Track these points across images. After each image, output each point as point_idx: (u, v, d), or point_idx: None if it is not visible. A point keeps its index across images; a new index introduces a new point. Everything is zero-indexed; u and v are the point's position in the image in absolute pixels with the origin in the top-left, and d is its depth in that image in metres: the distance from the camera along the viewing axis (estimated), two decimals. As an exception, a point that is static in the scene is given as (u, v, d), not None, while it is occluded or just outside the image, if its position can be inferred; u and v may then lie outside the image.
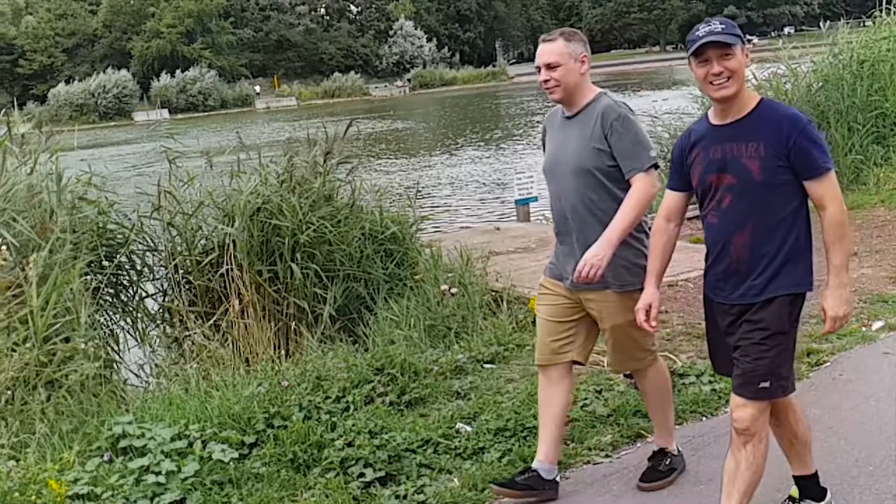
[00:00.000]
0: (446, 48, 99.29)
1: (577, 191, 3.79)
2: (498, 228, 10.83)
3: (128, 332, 7.31)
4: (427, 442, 4.53)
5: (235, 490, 4.09)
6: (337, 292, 7.11)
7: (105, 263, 7.15)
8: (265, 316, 6.97)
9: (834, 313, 3.20)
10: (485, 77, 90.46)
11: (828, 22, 14.62)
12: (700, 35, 3.15)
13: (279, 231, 7.14)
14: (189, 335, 6.82)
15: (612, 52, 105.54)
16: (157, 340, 7.28)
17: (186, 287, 7.38)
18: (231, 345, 6.56)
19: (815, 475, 3.64)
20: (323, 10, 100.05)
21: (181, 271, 7.39)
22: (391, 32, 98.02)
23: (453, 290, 6.52)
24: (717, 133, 3.26)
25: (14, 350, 4.86)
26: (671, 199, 3.50)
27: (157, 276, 7.56)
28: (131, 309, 7.39)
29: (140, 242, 7.48)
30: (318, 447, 4.43)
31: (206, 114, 75.33)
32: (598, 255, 3.59)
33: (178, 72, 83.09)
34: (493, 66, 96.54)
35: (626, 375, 4.98)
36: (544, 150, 4.07)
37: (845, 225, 3.20)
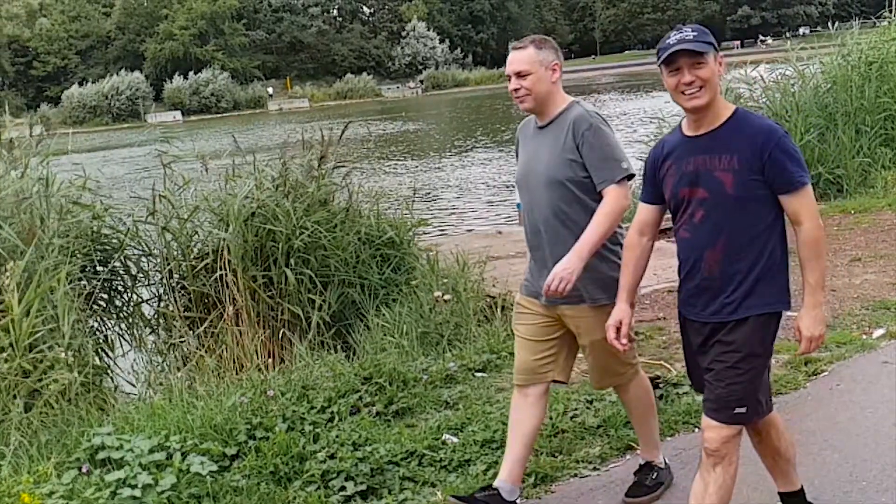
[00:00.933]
0: (459, 49, 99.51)
1: (549, 203, 3.66)
2: (500, 232, 10.74)
3: (122, 337, 7.27)
4: (412, 454, 4.44)
5: (212, 504, 4.01)
6: (332, 298, 7.03)
7: (99, 269, 7.10)
8: (259, 322, 6.91)
9: (809, 333, 3.08)
10: (497, 78, 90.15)
11: (836, 23, 14.49)
12: (671, 43, 3.03)
13: (274, 236, 7.07)
14: (183, 341, 6.77)
15: (626, 52, 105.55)
16: (151, 347, 7.23)
17: (181, 292, 7.32)
18: (223, 352, 6.50)
19: (801, 491, 3.53)
20: (335, 12, 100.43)
21: (176, 276, 7.34)
22: (404, 34, 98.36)
23: (446, 297, 6.41)
24: (690, 145, 3.14)
25: (-7, 359, 4.80)
26: (644, 212, 3.37)
27: (152, 282, 7.51)
28: (126, 315, 7.35)
29: (135, 247, 7.43)
30: (300, 459, 4.35)
31: (219, 116, 75.65)
32: (567, 268, 3.46)
33: (190, 74, 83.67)
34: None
35: None
36: (517, 160, 3.96)
37: (821, 242, 3.07)
